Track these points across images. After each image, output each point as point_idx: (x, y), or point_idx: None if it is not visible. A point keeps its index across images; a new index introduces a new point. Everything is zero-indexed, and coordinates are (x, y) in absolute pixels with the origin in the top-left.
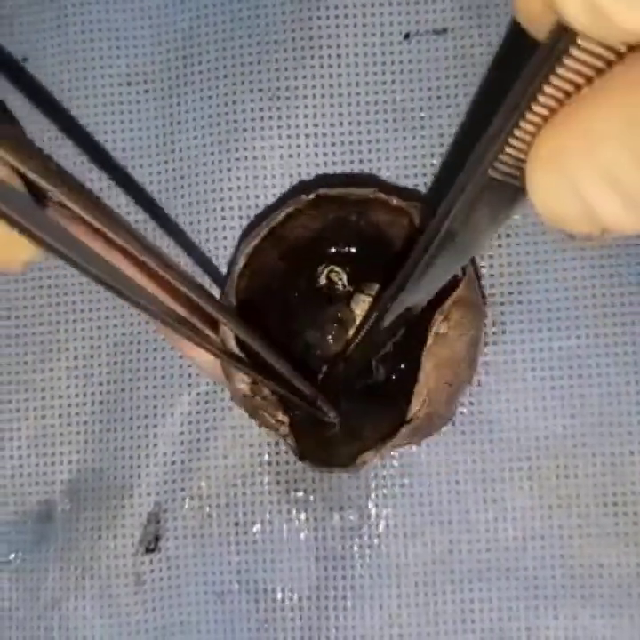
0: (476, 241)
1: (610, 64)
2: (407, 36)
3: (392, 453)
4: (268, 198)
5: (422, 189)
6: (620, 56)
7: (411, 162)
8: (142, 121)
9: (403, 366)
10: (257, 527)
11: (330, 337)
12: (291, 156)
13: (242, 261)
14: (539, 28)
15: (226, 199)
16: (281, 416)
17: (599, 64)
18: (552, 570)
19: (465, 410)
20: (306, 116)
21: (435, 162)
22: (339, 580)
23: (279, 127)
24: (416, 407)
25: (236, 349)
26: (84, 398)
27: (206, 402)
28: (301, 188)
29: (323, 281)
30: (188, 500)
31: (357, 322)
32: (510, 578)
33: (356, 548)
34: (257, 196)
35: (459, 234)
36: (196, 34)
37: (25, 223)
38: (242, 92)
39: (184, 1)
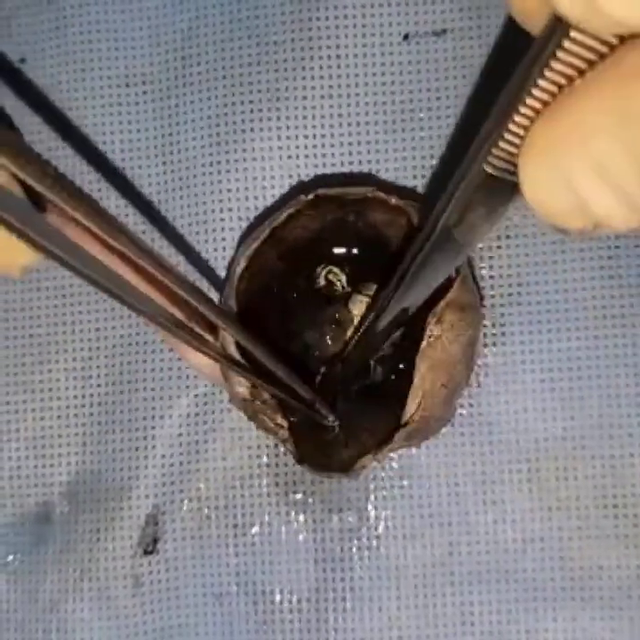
0: (472, 239)
1: (602, 57)
2: (406, 36)
3: (391, 455)
4: (267, 199)
5: (421, 190)
6: (613, 49)
7: (410, 162)
8: (141, 122)
9: (401, 367)
10: (256, 529)
11: (328, 338)
12: (290, 156)
13: (242, 263)
14: (534, 24)
15: (225, 200)
16: (280, 420)
17: (592, 57)
18: (551, 572)
19: (464, 411)
20: (305, 117)
21: (434, 163)
22: (338, 582)
23: (278, 128)
24: (411, 409)
25: (236, 354)
26: (82, 400)
27: (205, 403)
28: (300, 188)
29: (322, 282)
30: (186, 501)
31: (355, 322)
32: (510, 580)
33: (355, 550)
34: (256, 197)
35: (455, 231)
36: (194, 35)
37: (24, 228)
38: (241, 92)
39: (183, 2)
